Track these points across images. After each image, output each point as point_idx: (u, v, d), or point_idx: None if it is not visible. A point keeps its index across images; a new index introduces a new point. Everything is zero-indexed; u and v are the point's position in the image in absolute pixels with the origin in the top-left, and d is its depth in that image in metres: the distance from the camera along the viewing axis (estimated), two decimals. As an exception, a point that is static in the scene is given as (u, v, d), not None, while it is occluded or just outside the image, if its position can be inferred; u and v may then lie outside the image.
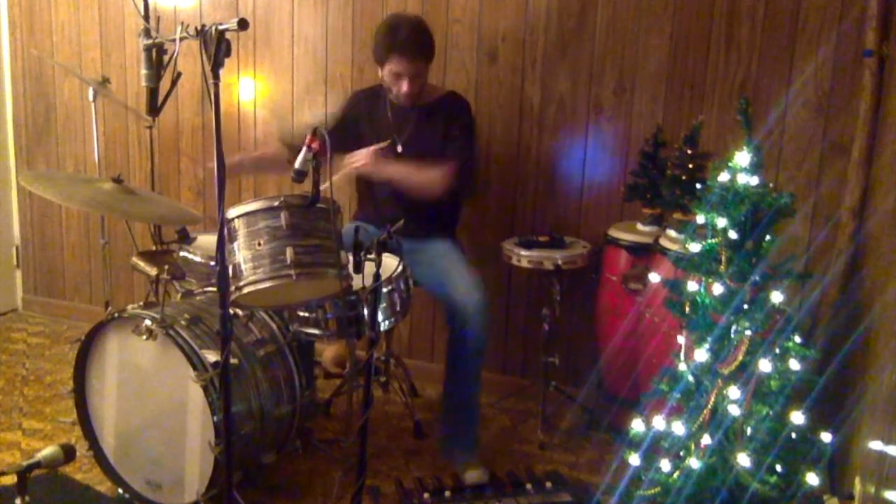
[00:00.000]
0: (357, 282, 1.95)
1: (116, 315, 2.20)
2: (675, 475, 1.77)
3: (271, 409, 2.21)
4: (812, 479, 1.67)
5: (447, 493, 2.26)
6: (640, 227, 2.70)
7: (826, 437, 1.74)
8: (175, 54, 1.78)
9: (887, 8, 2.40)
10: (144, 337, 2.10)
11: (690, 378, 1.79)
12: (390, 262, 2.17)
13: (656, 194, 2.63)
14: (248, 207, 1.84)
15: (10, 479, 1.57)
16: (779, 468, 1.69)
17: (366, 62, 3.16)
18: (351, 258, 1.91)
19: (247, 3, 3.33)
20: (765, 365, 1.67)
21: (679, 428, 1.77)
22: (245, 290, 1.82)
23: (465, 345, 2.41)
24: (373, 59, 2.64)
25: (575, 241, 2.79)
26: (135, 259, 2.57)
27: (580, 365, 2.93)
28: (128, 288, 3.78)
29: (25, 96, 3.87)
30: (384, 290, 2.12)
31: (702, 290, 1.79)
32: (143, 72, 1.88)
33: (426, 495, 2.24)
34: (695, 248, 1.80)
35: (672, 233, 2.50)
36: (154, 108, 1.93)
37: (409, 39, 2.49)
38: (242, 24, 1.62)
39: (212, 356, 2.06)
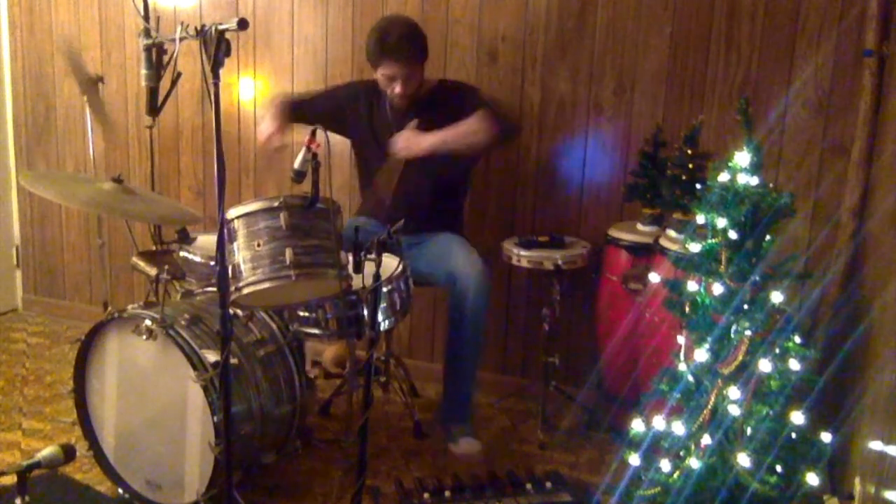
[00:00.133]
0: (357, 282, 1.95)
1: (116, 315, 2.20)
2: (675, 475, 1.77)
3: (271, 409, 2.21)
4: (812, 479, 1.67)
5: (447, 493, 2.26)
6: (640, 227, 2.69)
7: (826, 437, 1.74)
8: (175, 54, 1.78)
9: (887, 8, 2.40)
10: (144, 337, 2.10)
11: (690, 378, 1.79)
12: (390, 262, 2.18)
13: (656, 194, 2.63)
14: (247, 208, 1.85)
15: (10, 479, 1.56)
16: (779, 468, 1.69)
17: (366, 62, 3.14)
18: (351, 258, 1.91)
19: (247, 3, 3.32)
20: (765, 365, 1.67)
21: (679, 428, 1.77)
22: (245, 291, 1.83)
23: (465, 311, 2.47)
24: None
25: (575, 241, 2.79)
26: (135, 259, 2.58)
27: (580, 365, 2.93)
28: (128, 288, 3.78)
29: (25, 96, 3.87)
30: (384, 290, 2.12)
31: (702, 290, 1.79)
32: (143, 72, 1.89)
33: (426, 495, 2.24)
34: (695, 248, 1.80)
35: (672, 233, 2.49)
36: (154, 108, 1.93)
37: (399, 43, 2.50)
38: (242, 24, 1.62)
39: (212, 356, 2.06)
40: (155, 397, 2.20)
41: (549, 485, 2.29)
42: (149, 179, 3.27)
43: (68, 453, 1.66)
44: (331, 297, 2.03)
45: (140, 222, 3.38)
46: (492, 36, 2.99)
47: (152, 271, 2.44)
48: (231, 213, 1.84)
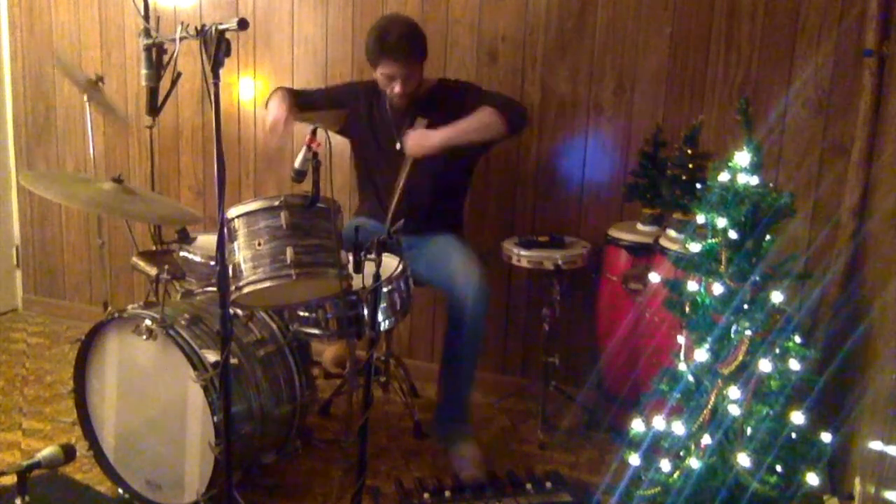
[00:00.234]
0: (357, 282, 1.95)
1: (116, 315, 2.20)
2: (675, 475, 1.77)
3: (271, 409, 2.21)
4: (812, 479, 1.67)
5: (447, 493, 2.26)
6: (640, 227, 2.69)
7: (826, 437, 1.74)
8: (175, 54, 1.78)
9: (887, 8, 2.40)
10: (144, 337, 2.10)
11: (690, 378, 1.79)
12: (390, 262, 2.18)
13: (656, 194, 2.63)
14: (248, 207, 1.85)
15: (10, 479, 1.56)
16: (779, 468, 1.69)
17: (365, 62, 3.14)
18: (351, 258, 1.91)
19: (247, 3, 3.33)
20: (765, 365, 1.67)
21: (679, 428, 1.76)
22: (245, 290, 1.83)
23: (463, 318, 2.43)
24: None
25: (575, 241, 2.79)
26: (135, 259, 2.58)
27: (580, 365, 2.93)
28: (128, 288, 3.78)
29: (25, 96, 3.87)
30: (384, 289, 2.12)
31: (702, 290, 1.79)
32: (143, 72, 1.88)
33: (426, 495, 2.24)
34: (695, 248, 1.80)
35: (672, 233, 2.49)
36: (154, 108, 1.93)
37: (398, 43, 2.49)
38: (242, 24, 1.62)
39: (212, 356, 2.06)
40: (155, 397, 2.20)
41: (549, 485, 2.29)
42: (149, 179, 3.27)
43: (68, 453, 1.66)
44: (331, 297, 2.03)
45: (140, 222, 3.38)
46: (492, 36, 2.99)
47: (152, 271, 2.43)
48: (231, 212, 1.84)
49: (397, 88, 2.55)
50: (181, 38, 1.71)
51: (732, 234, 1.72)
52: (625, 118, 2.87)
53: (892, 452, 1.54)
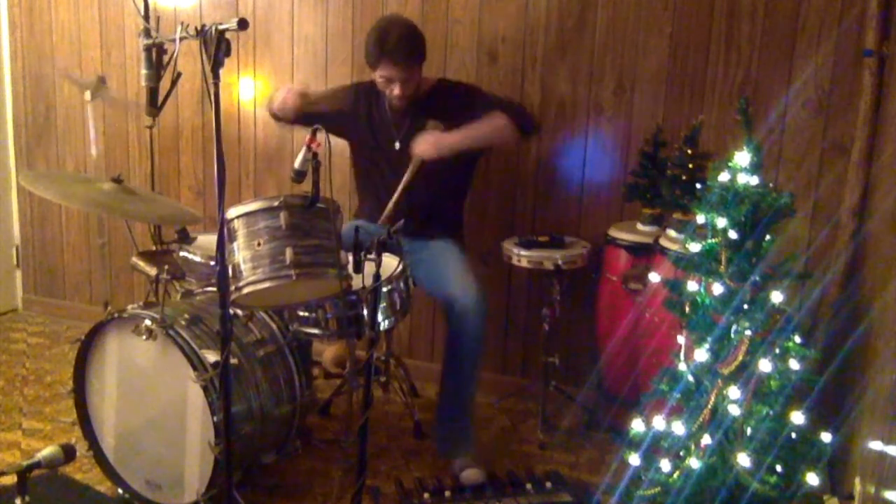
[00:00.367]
0: (357, 282, 1.95)
1: (116, 315, 2.20)
2: (675, 475, 1.77)
3: (271, 409, 2.21)
4: (812, 479, 1.67)
5: (447, 493, 2.26)
6: (640, 227, 2.69)
7: (826, 437, 1.74)
8: (175, 54, 1.78)
9: (887, 8, 2.40)
10: (144, 337, 2.10)
11: (690, 378, 1.79)
12: (390, 262, 2.18)
13: (656, 194, 2.63)
14: (247, 207, 1.84)
15: (10, 479, 1.56)
16: (779, 468, 1.69)
17: (365, 62, 3.15)
18: (351, 258, 1.91)
19: (247, 3, 3.33)
20: (765, 365, 1.67)
21: (679, 428, 1.76)
22: (245, 291, 1.83)
23: (462, 340, 2.41)
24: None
25: (575, 241, 2.79)
26: (135, 259, 2.57)
27: (580, 365, 2.93)
28: (128, 288, 3.78)
29: (25, 96, 3.87)
30: (384, 289, 2.12)
31: (702, 290, 1.78)
32: (143, 72, 1.88)
33: (426, 495, 2.24)
34: (695, 248, 1.80)
35: (672, 233, 2.49)
36: (154, 108, 1.93)
37: (397, 46, 2.49)
38: (242, 24, 1.62)
39: (212, 356, 2.06)
40: (155, 397, 2.20)
41: (549, 485, 2.29)
42: (149, 179, 3.27)
43: (68, 453, 1.66)
44: (331, 297, 2.03)
45: (140, 222, 3.38)
46: (492, 36, 2.99)
47: (152, 271, 2.43)
48: (231, 212, 1.84)
49: (396, 91, 2.55)
50: (181, 38, 1.71)
51: (732, 234, 1.72)
52: (625, 118, 2.87)
53: (892, 452, 1.54)
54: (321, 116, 2.35)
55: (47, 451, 1.64)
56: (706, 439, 1.73)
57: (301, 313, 2.15)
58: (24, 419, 2.82)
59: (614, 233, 2.68)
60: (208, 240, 2.41)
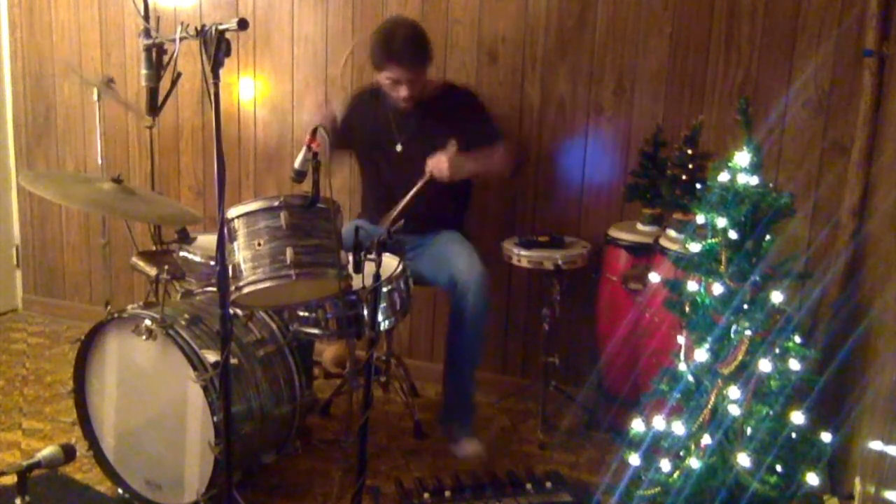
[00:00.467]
0: (357, 282, 1.95)
1: (116, 315, 2.20)
2: (675, 475, 1.76)
3: (271, 409, 2.21)
4: (812, 479, 1.67)
5: (447, 493, 2.26)
6: (640, 227, 2.69)
7: (826, 437, 1.74)
8: (175, 54, 1.78)
9: (887, 8, 2.40)
10: (144, 337, 2.10)
11: (690, 378, 1.79)
12: (390, 262, 2.18)
13: (656, 194, 2.63)
14: (247, 207, 1.84)
15: (10, 479, 1.57)
16: (779, 468, 1.69)
17: (365, 62, 3.14)
18: (351, 258, 1.91)
19: (247, 3, 3.33)
20: (765, 365, 1.67)
21: (679, 428, 1.76)
22: (245, 290, 1.83)
23: (465, 313, 2.47)
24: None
25: (575, 241, 2.79)
26: (135, 259, 2.57)
27: (580, 365, 2.93)
28: (128, 288, 3.78)
29: (25, 96, 3.87)
30: (384, 289, 2.12)
31: (702, 290, 1.78)
32: (143, 72, 1.89)
33: (426, 495, 2.24)
34: (695, 248, 1.80)
35: (672, 233, 2.49)
36: (154, 108, 1.93)
37: (404, 47, 2.49)
38: (242, 24, 1.62)
39: (212, 356, 2.06)
40: (155, 397, 2.20)
41: (549, 485, 2.29)
42: (149, 179, 3.27)
43: (68, 453, 1.66)
44: (331, 297, 2.03)
45: (140, 222, 3.38)
46: (492, 36, 2.99)
47: (152, 271, 2.43)
48: (231, 212, 1.84)
49: (403, 92, 2.55)
50: (181, 39, 1.71)
51: (732, 234, 1.72)
52: (625, 118, 2.87)
53: (892, 452, 1.54)
54: (344, 142, 2.59)
55: (47, 451, 1.64)
56: (706, 439, 1.73)
57: (301, 313, 2.15)
58: (24, 419, 2.82)
59: (614, 233, 2.68)
60: (208, 240, 2.41)
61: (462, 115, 2.64)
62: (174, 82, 1.93)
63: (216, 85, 1.65)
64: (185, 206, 3.05)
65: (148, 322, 2.10)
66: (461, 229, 2.81)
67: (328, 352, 3.06)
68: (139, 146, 3.64)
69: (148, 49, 1.86)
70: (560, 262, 2.61)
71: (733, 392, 1.69)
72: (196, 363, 2.05)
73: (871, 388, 1.95)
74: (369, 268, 1.91)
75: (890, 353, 1.80)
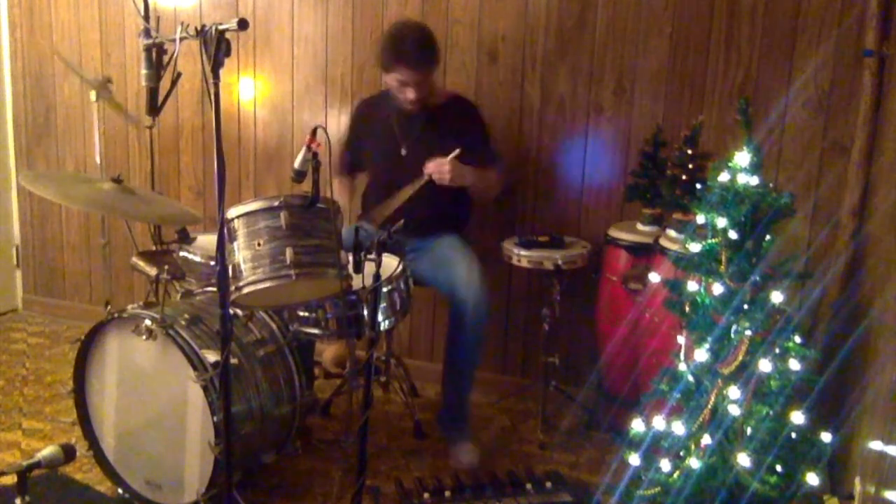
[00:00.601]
0: (357, 282, 1.95)
1: (116, 315, 2.20)
2: (675, 475, 1.77)
3: (271, 409, 2.21)
4: (812, 479, 1.67)
5: (447, 493, 2.26)
6: (640, 227, 2.69)
7: (826, 437, 1.74)
8: (175, 54, 1.78)
9: (887, 8, 2.40)
10: (144, 337, 2.10)
11: (690, 378, 1.79)
12: (390, 262, 2.18)
13: (656, 194, 2.63)
14: (247, 207, 1.84)
15: (10, 479, 1.57)
16: (779, 468, 1.69)
17: (366, 62, 3.16)
18: (351, 258, 1.91)
19: (247, 3, 3.33)
20: (765, 365, 1.67)
21: (679, 428, 1.76)
22: (245, 290, 1.83)
23: (465, 318, 2.47)
24: (373, 61, 2.67)
25: (575, 241, 2.79)
26: (135, 259, 2.57)
27: (580, 365, 2.93)
28: (128, 288, 3.78)
29: (25, 96, 3.87)
30: (384, 289, 2.12)
31: (702, 290, 1.78)
32: (143, 72, 1.88)
33: (426, 495, 2.24)
34: (695, 248, 1.80)
35: (672, 233, 2.49)
36: (154, 108, 1.93)
37: (413, 49, 2.51)
38: (242, 24, 1.62)
39: (212, 356, 2.06)
40: (155, 397, 2.20)
41: (549, 485, 2.29)
42: (149, 179, 3.27)
43: (68, 453, 1.66)
44: (331, 297, 2.03)
45: (140, 222, 3.38)
46: (492, 36, 2.99)
47: (152, 271, 2.43)
48: (231, 212, 1.84)
49: (410, 94, 2.56)
50: (181, 38, 1.71)
51: (732, 234, 1.72)
52: (625, 118, 2.87)
53: (892, 452, 1.54)
54: (357, 154, 2.62)
55: (47, 451, 1.64)
56: (706, 439, 1.73)
57: (301, 313, 2.15)
58: (24, 419, 2.82)
59: (614, 233, 2.68)
60: (208, 240, 2.41)
61: (464, 128, 2.67)
62: (174, 82, 1.93)
63: (216, 85, 1.65)
64: (185, 206, 3.05)
65: (148, 322, 2.10)
66: (461, 234, 2.81)
67: (328, 352, 3.06)
68: (139, 146, 3.64)
69: (148, 49, 1.86)
70: (560, 262, 2.61)
71: (733, 392, 1.69)
72: (196, 363, 2.05)
73: (871, 388, 1.95)
74: (369, 268, 1.91)
75: (890, 353, 1.80)
